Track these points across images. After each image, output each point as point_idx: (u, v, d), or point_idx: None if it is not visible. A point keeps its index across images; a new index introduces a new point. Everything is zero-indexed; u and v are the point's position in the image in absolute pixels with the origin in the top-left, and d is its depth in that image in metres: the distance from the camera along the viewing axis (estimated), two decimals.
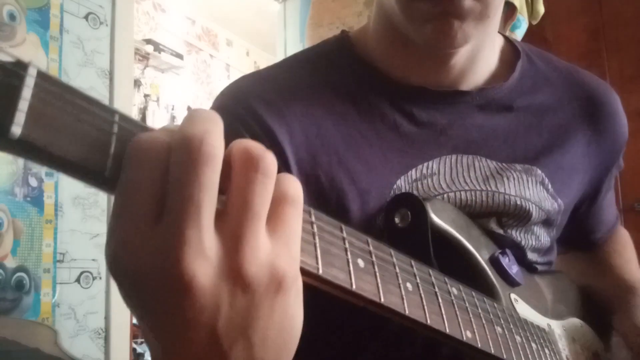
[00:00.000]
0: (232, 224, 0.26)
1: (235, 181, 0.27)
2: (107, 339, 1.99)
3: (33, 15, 1.89)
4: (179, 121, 4.30)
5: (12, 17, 1.83)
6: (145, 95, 4.22)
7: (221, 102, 0.62)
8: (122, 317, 2.07)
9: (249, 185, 0.27)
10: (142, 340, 3.60)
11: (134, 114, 3.97)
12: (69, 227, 1.93)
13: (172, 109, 4.40)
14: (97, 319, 1.98)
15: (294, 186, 0.29)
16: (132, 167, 0.26)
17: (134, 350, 3.42)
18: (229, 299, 0.26)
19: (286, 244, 0.28)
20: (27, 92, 0.23)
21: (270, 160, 0.28)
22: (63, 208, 1.92)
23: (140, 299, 0.26)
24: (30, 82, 0.24)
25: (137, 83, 4.06)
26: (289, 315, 0.28)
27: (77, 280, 1.94)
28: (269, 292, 0.27)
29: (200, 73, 4.81)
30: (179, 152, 0.25)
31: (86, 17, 2.06)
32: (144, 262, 0.25)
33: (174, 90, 4.45)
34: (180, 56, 4.35)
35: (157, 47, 4.09)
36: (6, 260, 1.75)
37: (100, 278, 2.00)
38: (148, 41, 4.04)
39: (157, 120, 4.19)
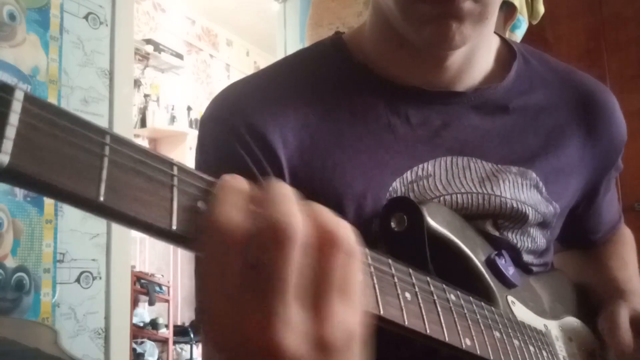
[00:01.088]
0: (313, 296, 0.29)
1: (315, 257, 0.30)
2: (107, 339, 1.99)
3: (33, 15, 1.89)
4: (179, 121, 4.24)
5: (12, 17, 1.83)
6: (145, 95, 4.22)
7: (214, 111, 0.62)
8: (122, 317, 2.07)
9: (328, 262, 0.30)
10: (142, 340, 3.61)
11: (134, 114, 3.97)
12: (69, 227, 1.93)
13: (172, 109, 4.39)
14: (97, 319, 1.98)
15: (351, 237, 0.31)
16: (219, 252, 0.29)
17: (134, 350, 3.42)
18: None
19: (353, 302, 0.31)
20: (14, 118, 0.22)
21: (345, 234, 0.30)
22: (63, 208, 1.92)
23: None
24: (17, 106, 0.22)
25: (137, 83, 4.06)
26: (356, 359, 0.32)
27: (77, 280, 1.94)
28: (343, 349, 0.30)
29: (200, 73, 4.81)
30: (267, 238, 0.28)
31: (86, 17, 2.06)
32: (240, 334, 0.29)
33: (174, 90, 4.45)
34: (180, 56, 4.35)
35: (157, 47, 4.09)
36: (6, 260, 1.75)
37: (100, 278, 2.00)
38: (148, 41, 4.04)
39: (157, 120, 4.19)
